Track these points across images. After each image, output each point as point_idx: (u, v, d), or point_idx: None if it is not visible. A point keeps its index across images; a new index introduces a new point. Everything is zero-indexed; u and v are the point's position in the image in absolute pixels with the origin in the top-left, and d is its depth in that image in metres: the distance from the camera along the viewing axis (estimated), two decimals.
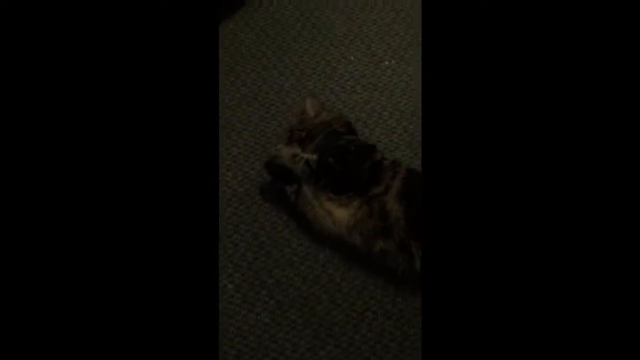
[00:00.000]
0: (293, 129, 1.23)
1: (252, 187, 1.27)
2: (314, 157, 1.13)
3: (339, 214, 1.11)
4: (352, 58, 1.47)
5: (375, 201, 1.08)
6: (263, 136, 1.35)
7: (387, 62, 1.46)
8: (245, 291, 1.14)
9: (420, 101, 1.39)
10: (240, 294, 1.14)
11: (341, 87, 1.43)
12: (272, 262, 1.18)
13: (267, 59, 1.48)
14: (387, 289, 1.13)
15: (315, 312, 1.11)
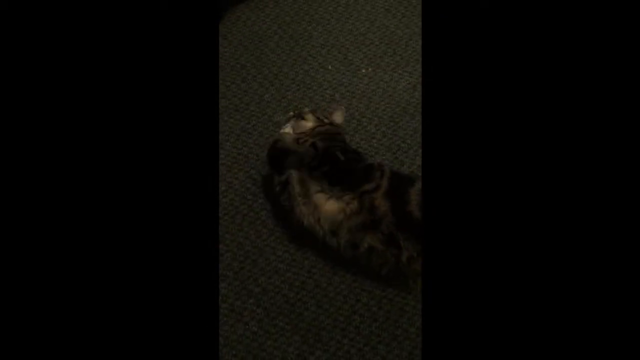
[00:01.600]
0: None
1: (235, 197, 1.25)
2: (320, 143, 1.17)
3: (328, 207, 1.09)
4: (330, 67, 1.47)
5: (365, 197, 1.08)
6: (245, 147, 1.34)
7: (364, 70, 1.46)
8: (232, 301, 1.12)
9: (398, 106, 1.39)
10: (227, 303, 1.12)
11: (320, 96, 1.42)
12: (258, 271, 1.16)
13: (246, 71, 1.47)
14: (373, 292, 1.12)
15: (303, 318, 1.10)
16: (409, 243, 1.04)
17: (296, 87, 1.44)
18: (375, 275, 1.11)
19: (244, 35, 1.54)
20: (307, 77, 1.45)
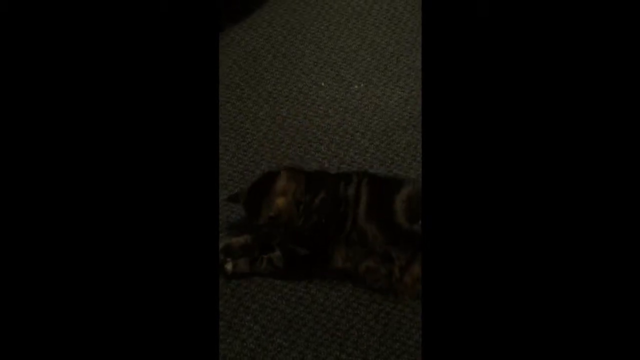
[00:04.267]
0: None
1: (231, 214, 1.23)
2: (276, 254, 1.09)
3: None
4: (323, 84, 1.46)
5: (352, 231, 1.05)
6: (240, 164, 1.32)
7: (356, 86, 1.45)
8: (229, 318, 1.09)
9: (390, 120, 1.38)
10: (224, 321, 1.09)
11: (314, 112, 1.41)
12: (255, 287, 1.13)
13: (241, 89, 1.46)
14: (370, 306, 1.09)
15: (301, 334, 1.07)
16: (400, 254, 1.04)
17: (290, 104, 1.43)
18: (369, 288, 1.09)
19: (238, 55, 1.53)
20: (300, 95, 1.44)
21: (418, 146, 1.33)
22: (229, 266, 1.12)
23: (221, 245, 1.13)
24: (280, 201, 1.08)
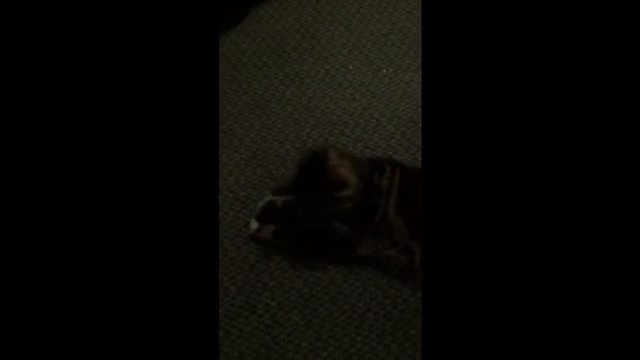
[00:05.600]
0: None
1: (253, 191, 1.23)
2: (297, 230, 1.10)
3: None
4: (350, 67, 1.45)
5: (381, 224, 1.07)
6: (264, 142, 1.32)
7: (384, 71, 1.44)
8: (247, 293, 1.10)
9: (418, 107, 1.37)
10: (242, 296, 1.10)
11: (341, 95, 1.40)
12: (273, 264, 1.13)
13: (268, 68, 1.45)
14: (388, 291, 1.09)
15: (317, 313, 1.07)
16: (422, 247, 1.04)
17: (317, 85, 1.42)
18: (388, 274, 1.09)
19: (267, 33, 1.52)
20: (327, 76, 1.43)
21: None
22: (253, 224, 1.11)
23: (264, 201, 1.13)
24: (343, 170, 1.06)
